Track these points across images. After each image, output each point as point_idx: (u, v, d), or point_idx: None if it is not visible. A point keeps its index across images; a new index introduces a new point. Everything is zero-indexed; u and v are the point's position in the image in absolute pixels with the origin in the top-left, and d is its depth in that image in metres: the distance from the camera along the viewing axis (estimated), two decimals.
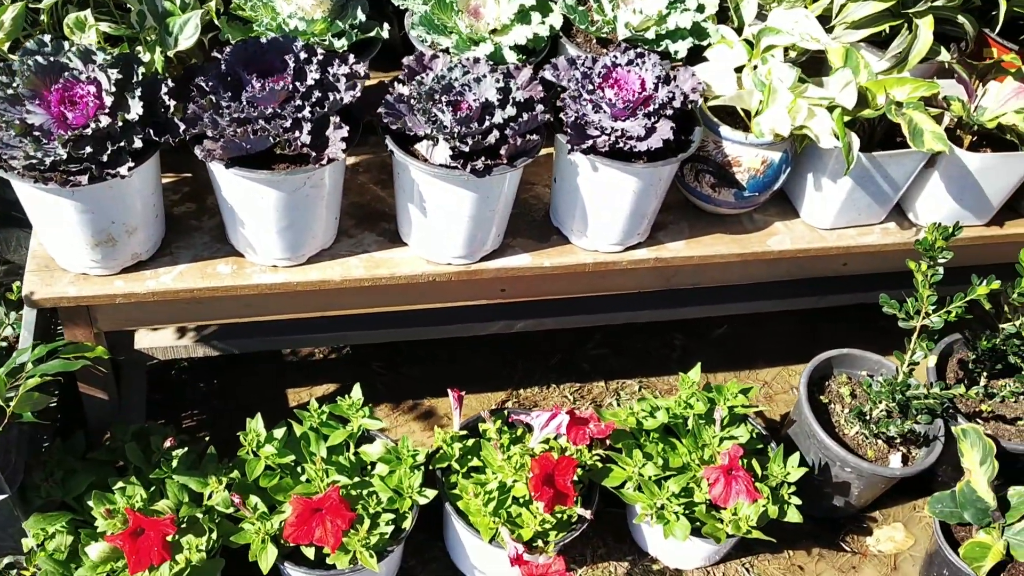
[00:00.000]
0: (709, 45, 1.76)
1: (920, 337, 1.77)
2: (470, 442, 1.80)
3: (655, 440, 1.85)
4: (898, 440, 1.98)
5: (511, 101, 1.53)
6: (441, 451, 1.78)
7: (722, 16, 1.88)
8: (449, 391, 1.80)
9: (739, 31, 1.84)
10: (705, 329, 2.39)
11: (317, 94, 1.45)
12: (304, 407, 1.76)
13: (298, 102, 1.43)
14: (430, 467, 1.77)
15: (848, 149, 1.58)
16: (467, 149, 1.48)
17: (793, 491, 1.80)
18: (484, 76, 1.54)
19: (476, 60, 1.57)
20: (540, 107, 1.55)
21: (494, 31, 1.73)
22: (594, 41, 1.82)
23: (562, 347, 2.29)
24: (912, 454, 1.97)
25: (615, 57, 1.61)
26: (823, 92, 1.63)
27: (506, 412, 1.87)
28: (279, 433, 1.73)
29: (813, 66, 1.82)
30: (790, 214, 1.86)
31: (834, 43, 1.79)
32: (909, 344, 1.79)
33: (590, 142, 1.55)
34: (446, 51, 1.67)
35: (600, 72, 1.60)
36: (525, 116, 1.52)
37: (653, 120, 1.56)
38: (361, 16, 1.66)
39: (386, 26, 1.69)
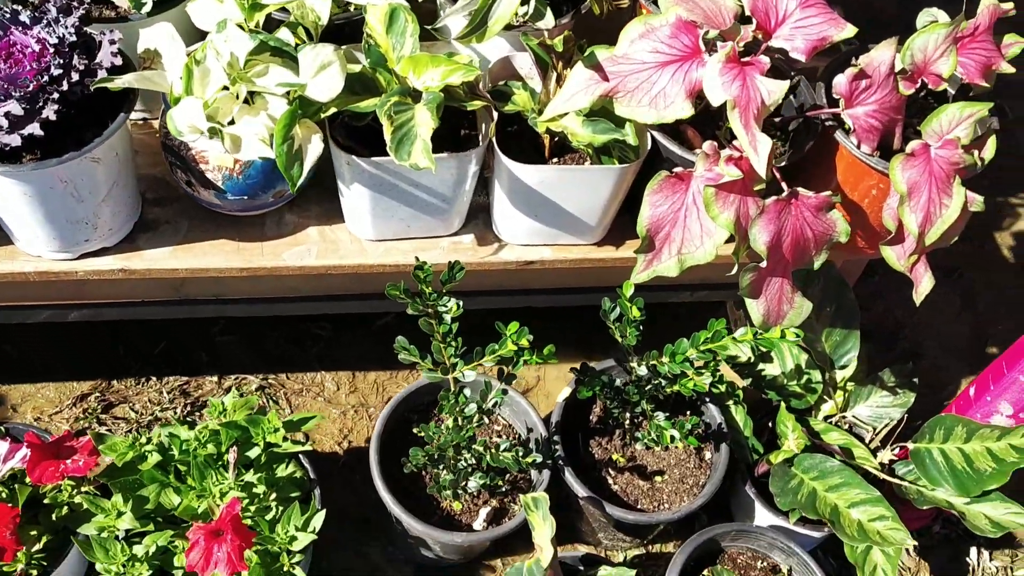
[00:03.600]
0: None
1: (454, 391, 1.39)
2: None
3: (165, 480, 1.52)
4: (506, 488, 1.63)
5: None
6: None
7: None
8: None
9: None
10: (365, 318, 2.01)
11: None
12: None
13: None
14: None
15: (289, 160, 1.17)
16: None
17: (298, 560, 1.47)
18: None
19: None
20: None
21: None
22: None
23: (178, 331, 1.94)
24: (514, 509, 1.62)
25: (16, 10, 1.21)
26: (290, 76, 1.21)
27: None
28: None
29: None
30: (337, 217, 1.46)
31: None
32: (447, 394, 1.41)
33: None
34: None
35: None
36: None
37: (37, 104, 1.17)
38: None
39: None
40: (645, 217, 1.26)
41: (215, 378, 1.91)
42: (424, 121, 1.20)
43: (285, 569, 1.46)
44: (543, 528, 1.45)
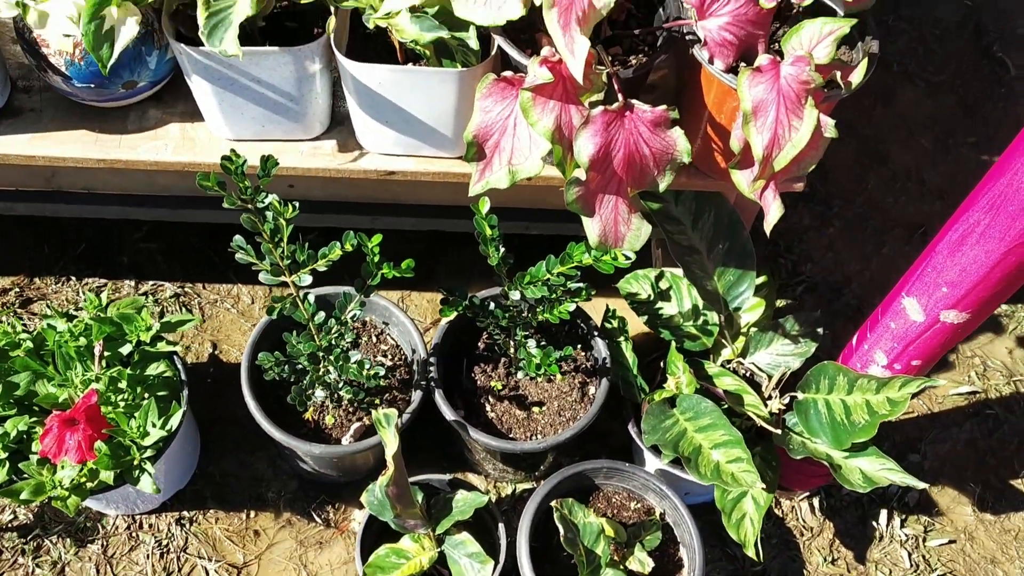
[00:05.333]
0: None
1: (303, 299, 1.37)
2: None
3: (40, 370, 1.55)
4: (382, 404, 1.61)
5: None
6: None
7: None
8: None
9: None
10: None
11: None
12: None
13: None
14: None
15: (97, 40, 1.16)
16: None
17: (150, 455, 1.48)
18: None
19: None
20: None
21: None
22: None
23: (101, 234, 1.97)
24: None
25: None
26: None
27: None
28: None
29: None
30: (202, 116, 1.45)
31: None
32: (284, 301, 1.39)
33: None
34: None
35: None
36: None
37: None
38: None
39: None
40: (474, 123, 1.21)
41: (133, 282, 1.93)
42: (242, 9, 1.17)
43: (136, 462, 1.48)
44: (392, 444, 1.44)
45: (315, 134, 1.43)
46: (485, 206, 1.36)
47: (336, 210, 1.73)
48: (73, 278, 1.93)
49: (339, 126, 1.45)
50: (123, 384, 1.51)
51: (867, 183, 2.22)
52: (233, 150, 1.18)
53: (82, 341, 1.54)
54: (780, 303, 2.00)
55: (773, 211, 1.24)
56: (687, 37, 1.27)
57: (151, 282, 1.94)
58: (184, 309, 1.91)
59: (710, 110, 1.33)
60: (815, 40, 1.20)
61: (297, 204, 1.27)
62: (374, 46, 1.34)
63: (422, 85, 1.28)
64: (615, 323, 1.65)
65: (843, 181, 2.19)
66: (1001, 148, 2.31)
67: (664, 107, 1.18)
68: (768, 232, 1.25)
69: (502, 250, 1.41)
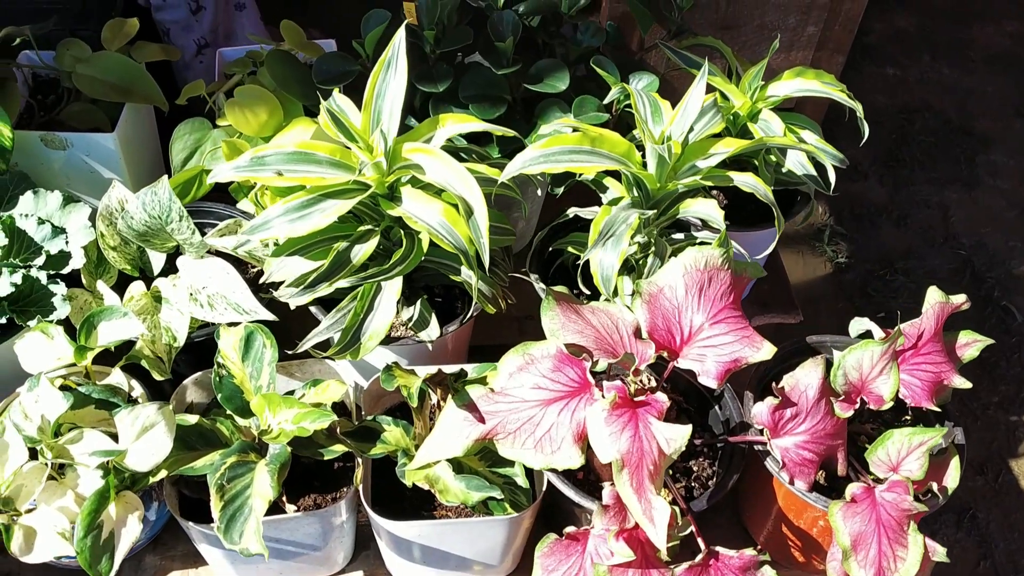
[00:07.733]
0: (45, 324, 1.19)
1: None
2: None
3: None
4: None
5: None
6: None
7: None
8: None
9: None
10: None
11: None
12: None
13: None
14: None
15: (95, 555, 0.99)
16: None
17: None
18: None
19: None
20: None
21: None
22: None
23: None
24: None
25: None
26: (106, 442, 1.04)
27: None
28: None
29: None
30: (204, 559, 1.27)
31: (266, 315, 1.22)
32: None
33: None
34: None
35: None
36: None
37: None
38: None
39: None
40: None
41: None
42: (262, 491, 1.02)
43: None
44: None
45: (338, 568, 1.26)
46: None
47: None
48: None
49: (363, 551, 1.28)
50: None
51: None
52: None
53: None
54: None
55: None
56: (756, 448, 1.14)
57: None
58: None
59: (783, 509, 1.20)
60: (903, 452, 1.08)
61: None
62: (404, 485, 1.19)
63: (466, 533, 1.12)
64: None
65: None
66: None
67: (753, 552, 1.03)
68: None
69: None
